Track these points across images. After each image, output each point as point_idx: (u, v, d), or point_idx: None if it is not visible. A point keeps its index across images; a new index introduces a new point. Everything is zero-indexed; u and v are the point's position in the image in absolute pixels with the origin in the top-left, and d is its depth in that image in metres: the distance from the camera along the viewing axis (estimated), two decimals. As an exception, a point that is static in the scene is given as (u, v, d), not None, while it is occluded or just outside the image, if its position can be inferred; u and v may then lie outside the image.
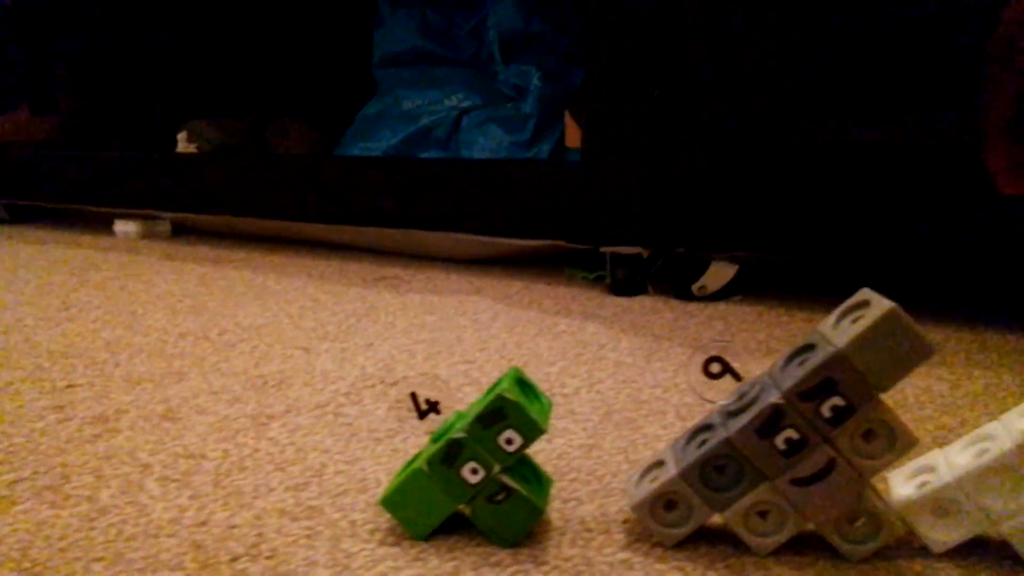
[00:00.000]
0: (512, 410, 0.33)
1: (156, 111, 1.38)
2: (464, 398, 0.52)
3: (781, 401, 0.31)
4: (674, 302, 0.79)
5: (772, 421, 0.31)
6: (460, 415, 0.35)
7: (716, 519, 0.33)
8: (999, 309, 0.74)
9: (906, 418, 0.48)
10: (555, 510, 0.37)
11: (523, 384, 0.35)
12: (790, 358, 0.33)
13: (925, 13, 0.64)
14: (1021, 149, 0.30)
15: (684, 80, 0.74)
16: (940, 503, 0.33)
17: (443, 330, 0.69)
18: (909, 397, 0.52)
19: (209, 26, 1.41)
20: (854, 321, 0.31)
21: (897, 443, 0.31)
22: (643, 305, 0.78)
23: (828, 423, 0.31)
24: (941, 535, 0.33)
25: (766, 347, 0.63)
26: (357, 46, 1.26)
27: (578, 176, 0.81)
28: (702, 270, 0.80)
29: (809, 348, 0.32)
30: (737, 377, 0.33)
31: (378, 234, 1.02)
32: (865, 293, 0.32)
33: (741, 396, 0.33)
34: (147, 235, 1.28)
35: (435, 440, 0.35)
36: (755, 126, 0.72)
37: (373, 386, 0.55)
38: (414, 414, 0.35)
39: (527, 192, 0.86)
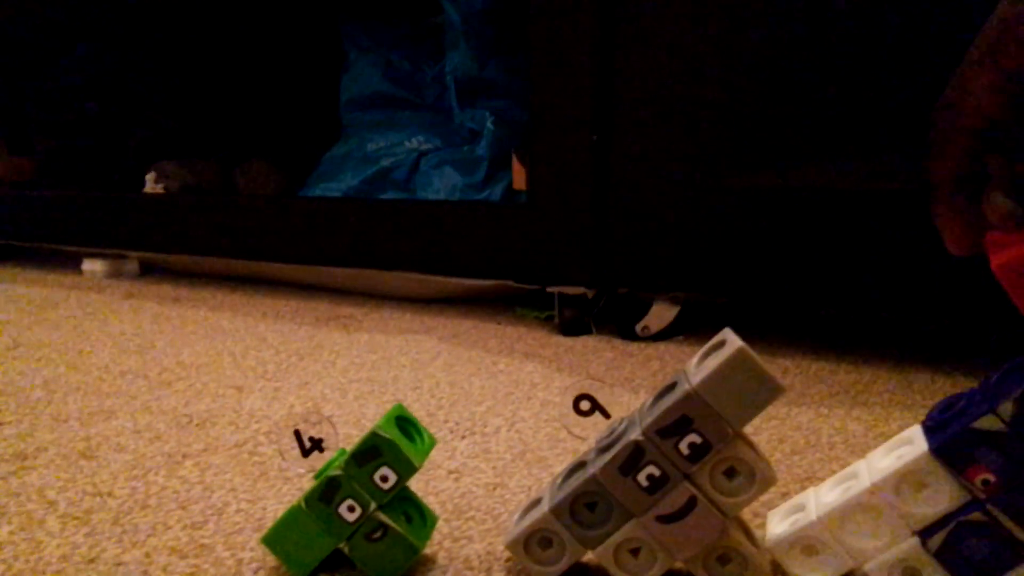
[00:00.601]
0: (387, 448, 0.33)
1: (129, 152, 1.41)
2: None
3: (641, 438, 0.32)
4: (617, 342, 0.80)
5: (633, 458, 0.32)
6: (343, 452, 0.36)
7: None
8: (930, 350, 0.75)
9: (815, 457, 0.49)
10: (444, 548, 0.38)
11: (405, 421, 0.36)
12: (658, 396, 0.34)
13: (865, 58, 0.66)
14: (969, 210, 0.31)
15: (623, 125, 0.77)
16: (808, 542, 0.33)
17: (382, 369, 0.70)
18: (822, 437, 0.53)
19: (183, 69, 1.45)
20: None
21: (756, 480, 0.32)
22: (586, 345, 0.79)
23: (687, 460, 0.32)
24: (808, 573, 0.33)
25: (695, 386, 0.64)
26: (326, 90, 1.29)
27: (524, 217, 0.83)
28: (645, 310, 0.81)
29: (673, 387, 0.33)
30: (606, 414, 0.34)
31: (337, 274, 1.03)
32: (724, 333, 0.33)
33: (612, 433, 0.34)
34: (114, 274, 1.29)
35: (317, 478, 0.35)
36: (692, 170, 0.74)
37: (296, 425, 0.55)
38: (298, 453, 0.36)
39: (477, 233, 0.88)
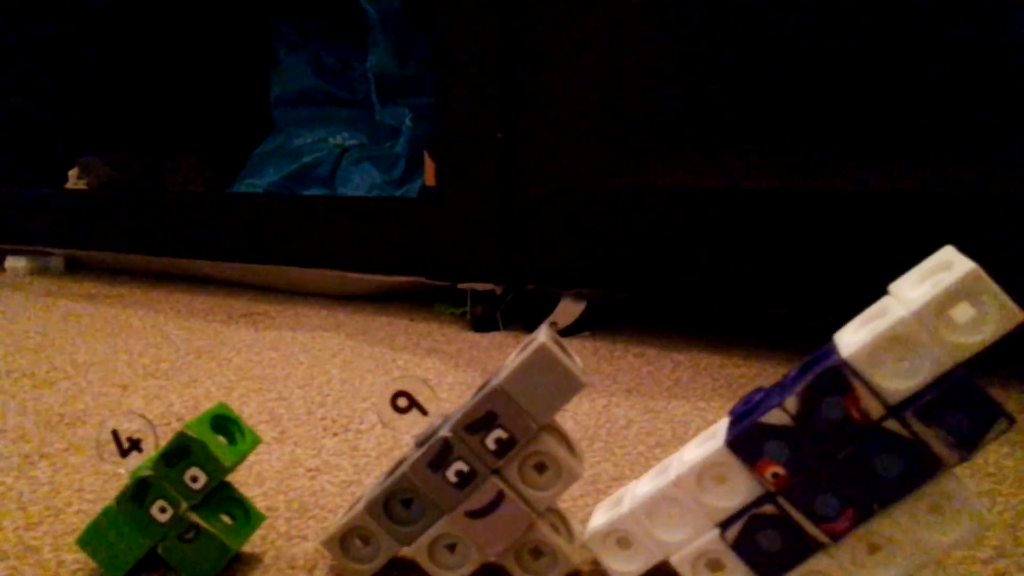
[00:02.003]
0: (195, 448, 0.33)
1: (56, 148, 1.37)
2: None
3: (449, 434, 0.32)
4: (524, 338, 0.80)
5: (442, 455, 0.32)
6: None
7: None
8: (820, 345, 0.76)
9: (676, 451, 0.49)
10: (274, 547, 0.37)
11: (226, 420, 0.36)
12: (476, 393, 0.34)
13: (760, 59, 0.67)
14: None
15: (527, 124, 0.77)
16: (621, 535, 0.34)
17: (277, 366, 0.69)
18: (690, 430, 0.53)
19: (113, 65, 1.42)
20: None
21: (562, 475, 0.32)
22: (493, 341, 0.79)
23: (494, 455, 0.32)
24: (622, 566, 0.34)
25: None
26: (260, 85, 1.27)
27: (433, 214, 0.83)
28: (553, 307, 0.81)
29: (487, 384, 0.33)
30: (423, 411, 0.34)
31: (259, 271, 1.02)
32: (539, 330, 0.33)
33: (430, 429, 0.34)
34: (37, 271, 1.26)
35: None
36: (595, 169, 0.75)
37: (169, 423, 0.55)
38: (116, 453, 0.35)
39: (389, 229, 0.87)
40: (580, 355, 0.73)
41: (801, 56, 0.65)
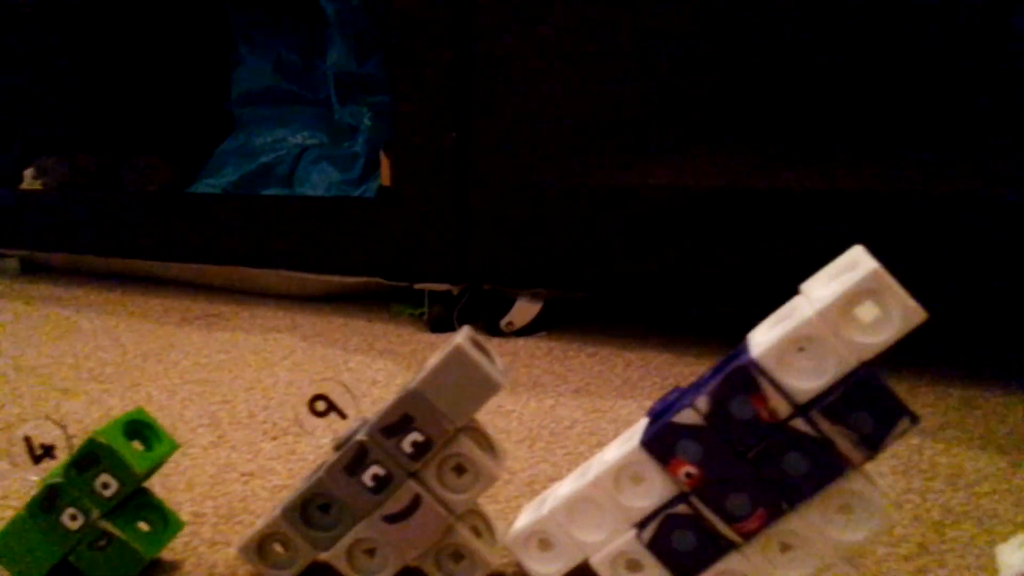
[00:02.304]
0: (105, 454, 0.32)
1: (13, 148, 1.35)
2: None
3: (364, 438, 0.32)
4: (480, 338, 0.80)
5: (358, 458, 0.32)
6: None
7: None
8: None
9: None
10: (196, 554, 0.37)
11: (142, 426, 0.35)
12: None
13: (712, 61, 0.67)
14: None
15: (482, 124, 0.76)
16: (542, 536, 0.33)
17: (225, 370, 0.68)
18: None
19: (73, 64, 1.39)
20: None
21: (480, 478, 0.32)
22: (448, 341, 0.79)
23: (410, 458, 0.31)
24: (542, 568, 0.33)
25: (533, 382, 0.64)
26: (221, 84, 1.25)
27: (389, 214, 0.82)
28: (509, 307, 0.81)
29: (407, 385, 0.33)
30: (342, 415, 0.33)
31: (217, 272, 1.01)
32: (459, 332, 0.33)
33: (348, 433, 0.34)
34: (-9, 273, 1.23)
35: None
36: (549, 168, 0.74)
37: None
38: (29, 460, 0.34)
39: (345, 229, 0.87)
40: (533, 355, 0.73)
41: (754, 58, 0.65)
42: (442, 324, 0.84)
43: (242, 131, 1.15)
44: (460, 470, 0.32)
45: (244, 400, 0.59)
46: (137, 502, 0.35)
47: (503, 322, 0.81)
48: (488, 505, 0.43)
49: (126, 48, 1.37)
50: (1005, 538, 0.38)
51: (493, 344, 0.77)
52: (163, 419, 0.55)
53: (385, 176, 0.83)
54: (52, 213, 1.14)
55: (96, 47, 1.37)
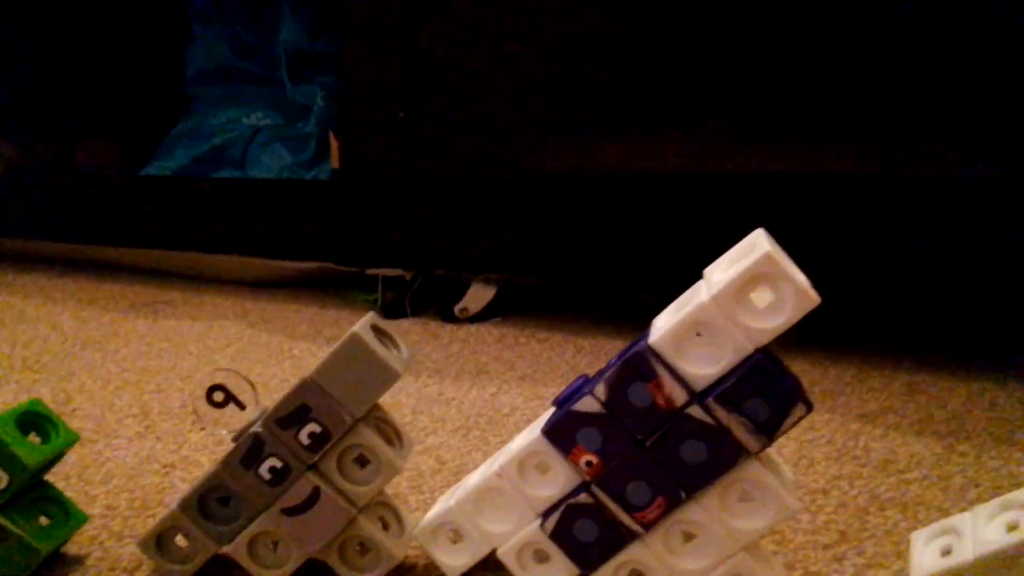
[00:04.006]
0: (-8, 446, 0.31)
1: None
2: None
3: (260, 429, 0.31)
4: (433, 324, 0.79)
5: (254, 450, 0.31)
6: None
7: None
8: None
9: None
10: (103, 548, 0.36)
11: (39, 417, 0.34)
12: (299, 384, 0.33)
13: (666, 42, 0.66)
14: None
15: (431, 104, 0.75)
16: (450, 527, 0.33)
17: (164, 358, 0.67)
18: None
19: (21, 44, 1.35)
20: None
21: (382, 469, 0.31)
22: (400, 328, 0.78)
23: (307, 450, 0.31)
24: (453, 559, 0.33)
25: (479, 369, 0.64)
26: (175, 63, 1.22)
27: (338, 197, 0.81)
28: (463, 292, 0.80)
29: (307, 374, 0.32)
30: (241, 406, 0.32)
31: (171, 257, 0.99)
32: (367, 319, 0.32)
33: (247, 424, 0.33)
34: (-58, 259, 1.20)
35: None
36: (499, 151, 0.73)
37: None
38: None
39: (296, 213, 0.85)
40: (483, 341, 0.72)
41: (701, 40, 0.64)
42: (395, 310, 0.83)
43: (196, 112, 1.12)
44: (362, 461, 0.31)
45: (178, 390, 0.58)
46: (36, 495, 0.34)
47: (457, 308, 0.80)
48: (413, 496, 0.42)
49: (76, 28, 1.33)
50: (926, 524, 0.38)
51: (440, 331, 0.76)
52: (92, 409, 0.54)
53: (336, 158, 0.82)
54: (0, 198, 1.11)
55: (47, 28, 1.34)
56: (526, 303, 0.86)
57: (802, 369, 0.63)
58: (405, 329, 0.77)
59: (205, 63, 1.13)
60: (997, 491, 0.42)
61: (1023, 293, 0.58)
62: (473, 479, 0.33)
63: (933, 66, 0.58)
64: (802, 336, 0.68)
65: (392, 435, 0.33)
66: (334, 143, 0.82)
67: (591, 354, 0.68)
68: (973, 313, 0.69)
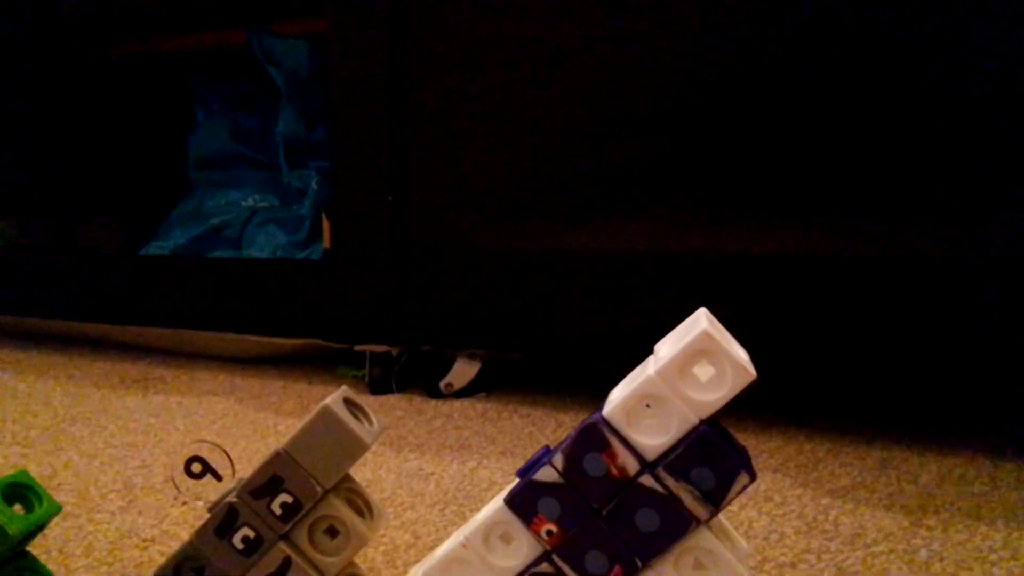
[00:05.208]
0: (-28, 516, 0.32)
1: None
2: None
3: (234, 500, 0.32)
4: (418, 400, 0.80)
5: (228, 520, 0.32)
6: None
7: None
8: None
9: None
10: (75, 622, 0.36)
11: (25, 488, 0.35)
12: (275, 456, 0.34)
13: (643, 128, 0.71)
14: None
15: (417, 187, 0.79)
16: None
17: (151, 434, 0.67)
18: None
19: (30, 125, 1.42)
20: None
21: (351, 540, 0.32)
22: (385, 403, 0.79)
23: (279, 520, 0.32)
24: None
25: (460, 444, 0.65)
26: (178, 148, 1.28)
27: (328, 275, 0.84)
28: (449, 368, 0.82)
29: (283, 446, 0.33)
30: (218, 477, 0.34)
31: (164, 335, 1.01)
32: (339, 392, 0.34)
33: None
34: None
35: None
36: (486, 231, 0.76)
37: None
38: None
39: (289, 291, 0.87)
40: (466, 416, 0.73)
41: (678, 127, 0.69)
42: (382, 385, 0.84)
43: (196, 194, 1.17)
44: (333, 532, 0.32)
45: (162, 464, 0.59)
46: (17, 565, 0.34)
47: (442, 383, 0.81)
48: (387, 570, 0.43)
49: (84, 111, 1.40)
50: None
51: (424, 406, 0.77)
52: (76, 483, 0.55)
53: (327, 239, 0.85)
54: (1, 275, 1.14)
55: (55, 109, 1.40)
56: (511, 379, 0.87)
57: (777, 444, 0.64)
58: (391, 404, 0.78)
59: (206, 148, 1.18)
60: (962, 563, 0.43)
61: (992, 371, 0.60)
62: (441, 550, 0.34)
63: (886, 150, 0.62)
64: (779, 411, 0.70)
65: (362, 506, 0.34)
66: (326, 224, 0.86)
67: (571, 428, 0.69)
68: (946, 390, 0.71)
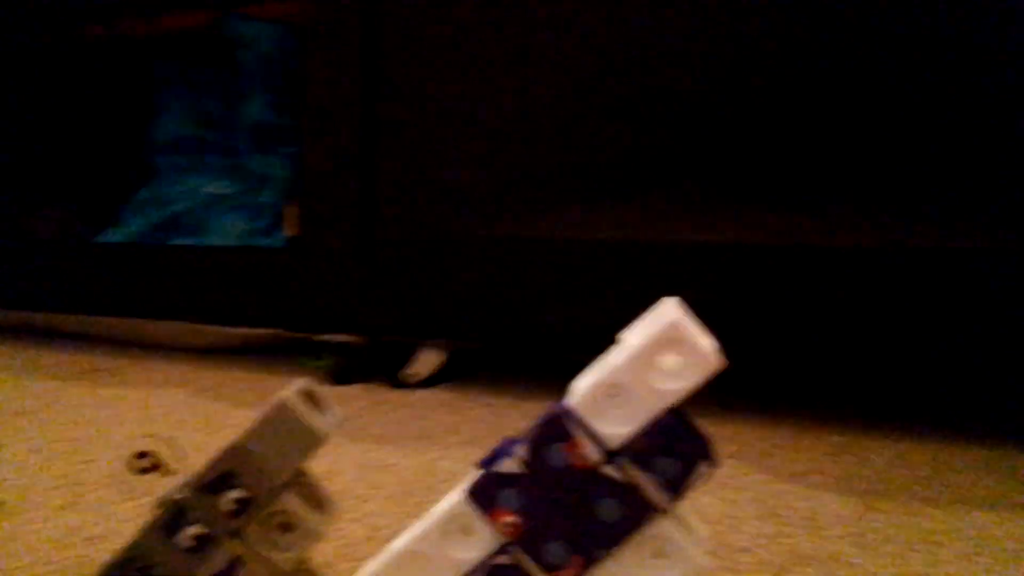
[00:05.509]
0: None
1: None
2: None
3: (180, 496, 0.31)
4: (381, 390, 0.79)
5: (175, 518, 0.31)
6: None
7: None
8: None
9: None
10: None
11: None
12: (227, 450, 0.33)
13: (612, 120, 0.70)
14: None
15: (385, 176, 0.77)
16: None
17: (99, 426, 0.65)
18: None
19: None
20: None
21: (306, 535, 0.31)
22: (347, 393, 0.78)
23: (231, 516, 0.31)
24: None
25: (422, 434, 0.64)
26: (140, 134, 1.24)
27: (290, 263, 0.82)
28: (412, 357, 0.81)
29: (235, 439, 0.32)
30: (166, 472, 0.32)
31: (117, 324, 0.97)
32: (297, 384, 0.33)
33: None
34: None
35: None
36: (449, 220, 0.76)
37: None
38: None
39: (247, 280, 0.85)
40: (429, 406, 0.72)
41: (652, 116, 0.69)
42: (343, 376, 0.83)
43: (158, 180, 1.13)
44: (286, 527, 0.32)
45: (109, 459, 0.57)
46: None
47: (406, 373, 0.80)
48: (343, 563, 0.42)
49: (45, 95, 1.34)
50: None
51: (387, 396, 0.76)
52: (18, 480, 0.53)
53: (288, 225, 0.83)
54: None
55: (12, 94, 1.34)
56: (476, 368, 0.87)
57: (736, 430, 0.65)
58: (352, 395, 0.77)
59: (168, 133, 1.14)
60: (910, 545, 0.43)
61: (940, 361, 0.62)
62: (397, 544, 0.33)
63: (855, 140, 0.63)
64: (740, 396, 0.71)
65: (318, 501, 0.33)
66: (288, 211, 0.84)
67: (537, 418, 0.69)
68: (898, 378, 0.72)
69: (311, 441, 0.30)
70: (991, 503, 0.50)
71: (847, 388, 0.78)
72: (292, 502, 0.31)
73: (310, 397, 0.32)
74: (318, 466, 0.52)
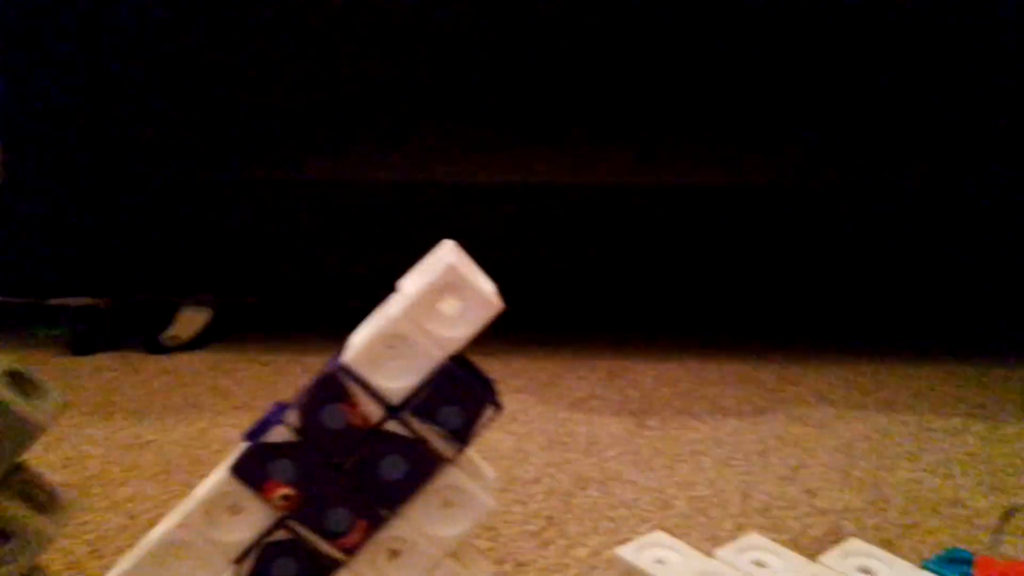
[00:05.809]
0: None
1: None
2: None
3: None
4: (135, 357, 0.70)
5: None
6: None
7: None
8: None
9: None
10: None
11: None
12: None
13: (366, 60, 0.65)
14: None
15: (124, 105, 0.66)
16: None
17: None
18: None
19: None
20: None
21: (30, 541, 0.26)
22: (94, 364, 0.67)
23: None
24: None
25: (188, 403, 0.58)
26: None
27: (4, 215, 0.68)
28: (171, 318, 0.72)
29: None
30: None
31: None
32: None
33: None
34: None
35: None
36: (209, 163, 0.67)
37: None
38: None
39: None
40: (195, 371, 0.65)
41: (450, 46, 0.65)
42: (86, 344, 0.72)
43: None
44: (4, 536, 0.26)
45: None
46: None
47: (166, 335, 0.71)
48: (92, 562, 0.36)
49: None
50: (621, 498, 0.42)
51: (151, 363, 0.68)
52: None
53: (-5, 171, 0.68)
54: None
55: None
56: (248, 325, 0.80)
57: (521, 365, 0.67)
58: (100, 365, 0.67)
59: None
60: (678, 456, 0.48)
61: (697, 282, 0.68)
62: (154, 533, 0.29)
63: (774, 78, 0.66)
64: (525, 332, 0.73)
65: (43, 499, 0.27)
66: (-10, 152, 0.68)
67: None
68: (657, 301, 0.80)
69: (23, 433, 0.25)
70: (741, 411, 0.57)
71: (616, 317, 0.84)
72: (8, 506, 0.25)
73: (18, 378, 0.26)
74: (55, 453, 0.45)
